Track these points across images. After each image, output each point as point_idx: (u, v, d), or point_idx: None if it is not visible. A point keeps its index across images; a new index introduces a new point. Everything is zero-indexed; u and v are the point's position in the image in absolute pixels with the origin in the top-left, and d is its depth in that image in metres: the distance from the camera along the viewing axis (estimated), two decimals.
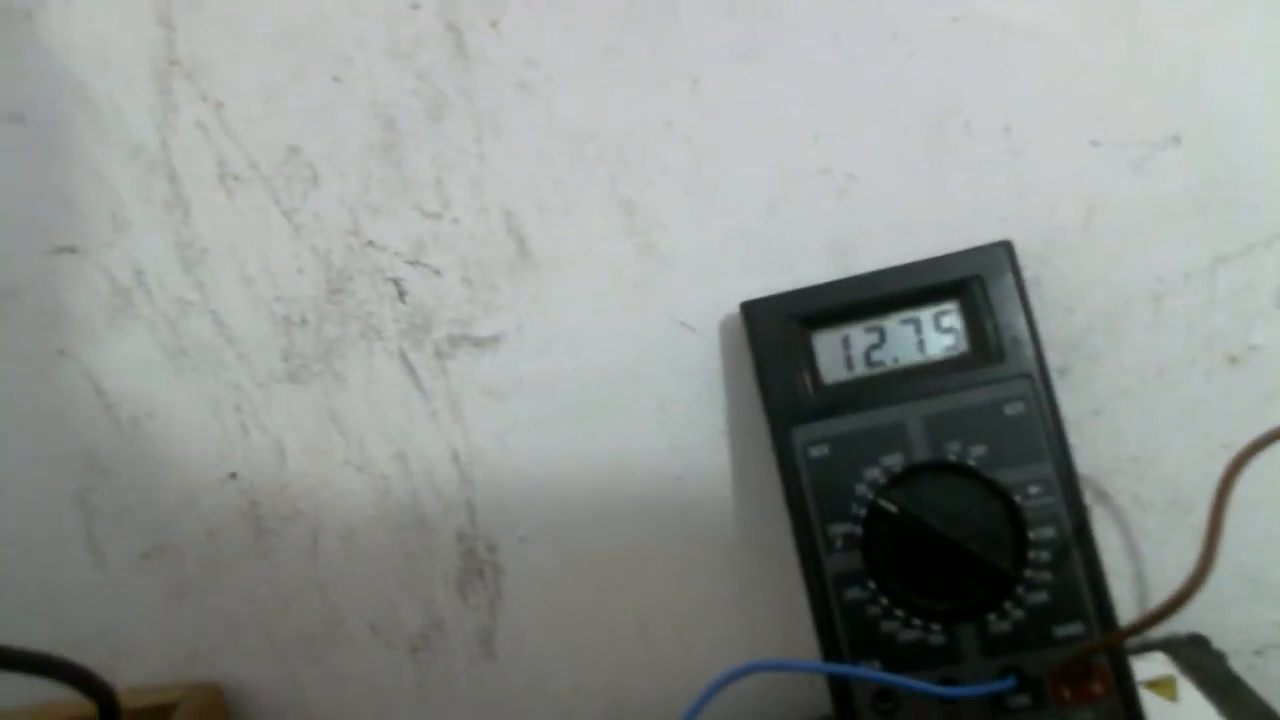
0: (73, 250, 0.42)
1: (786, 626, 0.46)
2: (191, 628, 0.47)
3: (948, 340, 0.39)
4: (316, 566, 0.46)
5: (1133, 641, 0.39)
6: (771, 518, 0.44)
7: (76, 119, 0.41)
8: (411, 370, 0.43)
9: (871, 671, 0.35)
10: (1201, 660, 0.43)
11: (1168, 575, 0.44)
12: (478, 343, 0.43)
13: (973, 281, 0.38)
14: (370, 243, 0.42)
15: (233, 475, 0.45)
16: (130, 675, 0.47)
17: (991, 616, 0.37)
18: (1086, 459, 0.38)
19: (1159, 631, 0.44)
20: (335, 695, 0.48)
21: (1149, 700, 0.38)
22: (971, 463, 0.37)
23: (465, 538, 0.45)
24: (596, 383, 0.43)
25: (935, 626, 0.37)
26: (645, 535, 0.45)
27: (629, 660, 0.47)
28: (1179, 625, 0.45)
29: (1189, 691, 0.41)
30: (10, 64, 0.40)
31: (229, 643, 0.47)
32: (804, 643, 0.42)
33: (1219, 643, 0.44)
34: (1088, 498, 0.41)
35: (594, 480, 0.44)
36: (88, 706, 0.43)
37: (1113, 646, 0.35)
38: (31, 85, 0.41)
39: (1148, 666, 0.42)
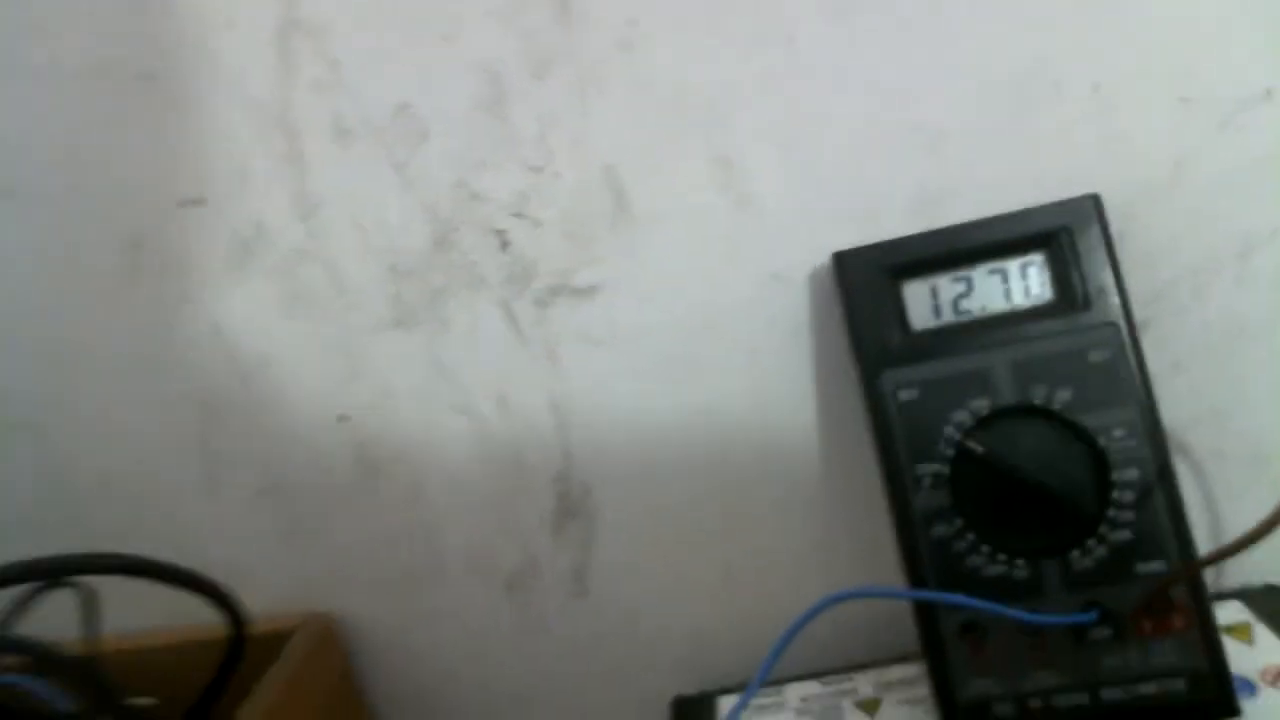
0: (197, 202, 0.45)
1: (866, 573, 0.48)
2: (303, 562, 0.50)
3: (1034, 289, 0.40)
4: (420, 506, 0.49)
5: (1210, 590, 0.40)
6: (854, 465, 0.46)
7: (203, 78, 0.43)
8: (513, 319, 0.45)
9: (962, 597, 0.37)
10: (1275, 607, 0.44)
11: (1246, 527, 0.45)
12: (576, 292, 0.45)
13: (1060, 233, 0.39)
14: (475, 195, 0.44)
15: (343, 418, 0.48)
16: (246, 605, 0.50)
17: (1075, 553, 0.38)
18: (1167, 411, 0.39)
19: (1234, 581, 0.46)
20: (435, 629, 0.51)
21: (1226, 643, 0.39)
22: (1056, 407, 0.39)
23: (561, 480, 0.48)
24: (689, 332, 0.45)
25: (1019, 562, 0.39)
26: (733, 481, 0.47)
27: (713, 602, 0.49)
28: (1254, 575, 0.46)
29: (1264, 634, 0.43)
30: (143, 25, 0.43)
31: (338, 577, 0.50)
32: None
33: None
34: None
35: (685, 427, 0.46)
36: (216, 629, 0.47)
37: (1192, 577, 0.37)
38: (161, 46, 0.43)
39: (1224, 613, 0.43)
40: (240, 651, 0.46)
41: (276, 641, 0.48)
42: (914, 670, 0.45)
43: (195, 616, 0.49)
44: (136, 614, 0.46)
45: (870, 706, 0.45)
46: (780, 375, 0.45)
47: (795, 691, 0.47)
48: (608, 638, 0.50)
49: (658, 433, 0.47)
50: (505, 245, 0.44)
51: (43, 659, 0.35)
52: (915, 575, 0.40)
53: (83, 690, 0.41)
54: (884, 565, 0.46)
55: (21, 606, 0.36)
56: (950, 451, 0.40)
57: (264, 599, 0.48)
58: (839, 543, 0.48)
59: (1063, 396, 0.39)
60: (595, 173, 0.43)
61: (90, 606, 0.39)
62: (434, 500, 0.49)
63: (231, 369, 0.47)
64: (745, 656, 0.49)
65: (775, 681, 0.47)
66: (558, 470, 0.48)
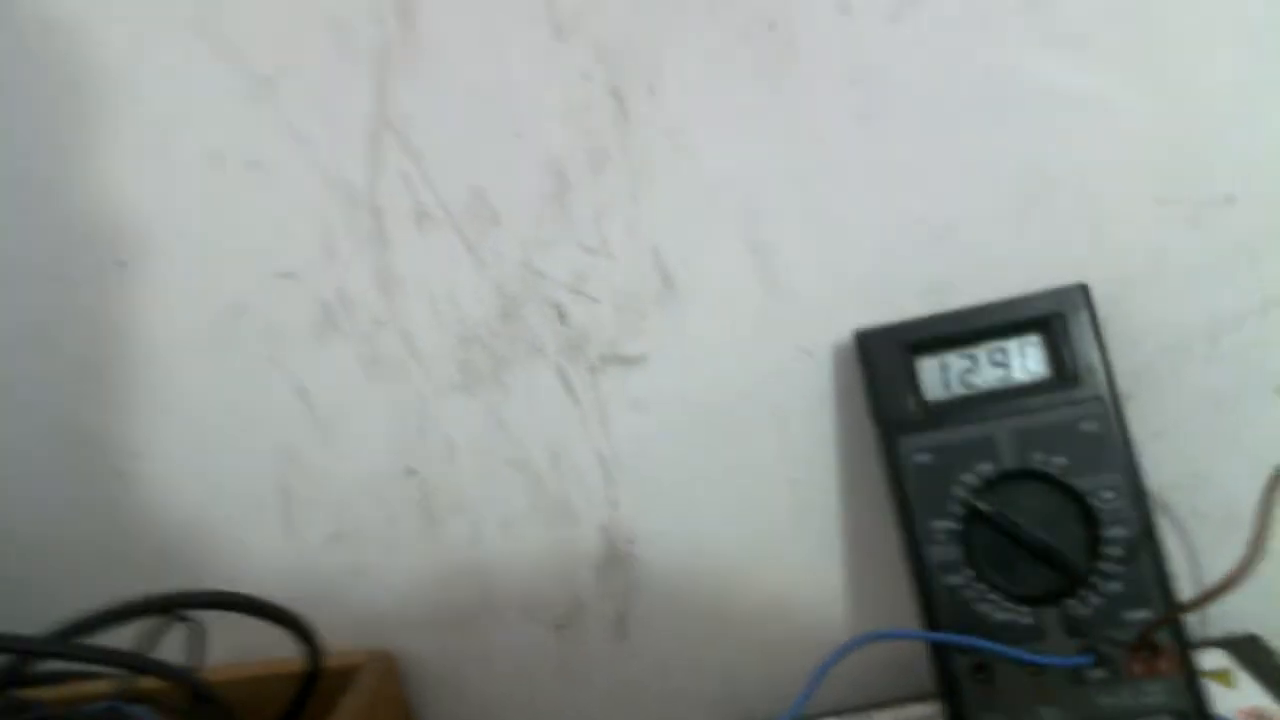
0: (289, 275, 0.51)
1: (883, 618, 0.52)
2: (366, 602, 0.55)
3: (1032, 366, 0.46)
4: (477, 552, 0.54)
5: (1195, 638, 0.45)
6: (872, 520, 0.51)
7: (302, 164, 0.49)
8: (568, 383, 0.51)
9: (976, 640, 0.42)
10: (1256, 655, 0.49)
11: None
12: (625, 361, 0.50)
13: (1054, 317, 0.45)
14: (538, 274, 0.49)
15: (410, 470, 0.53)
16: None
17: (1072, 601, 0.43)
18: (1150, 475, 0.44)
19: (1219, 630, 0.50)
20: (487, 667, 0.55)
21: (1210, 686, 0.44)
22: (1053, 471, 0.44)
23: (608, 531, 0.52)
24: (725, 398, 0.50)
25: (1023, 609, 0.44)
26: (762, 532, 0.52)
27: (743, 642, 0.54)
28: (1237, 625, 0.50)
29: (1244, 679, 0.47)
30: (255, 117, 0.48)
31: (398, 617, 0.55)
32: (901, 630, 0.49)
33: (1272, 641, 0.49)
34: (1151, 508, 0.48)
35: (721, 484, 0.51)
36: (282, 663, 0.51)
37: (1175, 621, 0.42)
38: (268, 136, 0.49)
39: (1209, 659, 0.48)
40: (315, 684, 0.51)
41: (342, 677, 0.52)
42: (927, 710, 0.50)
43: (261, 651, 0.54)
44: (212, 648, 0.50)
45: None
46: (806, 438, 0.51)
47: None
48: (646, 676, 0.55)
49: (695, 487, 0.52)
50: (563, 318, 0.50)
51: (190, 686, 0.39)
52: (930, 620, 0.45)
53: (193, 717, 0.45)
54: (899, 611, 0.51)
55: (154, 638, 0.40)
56: (960, 510, 0.45)
57: (329, 637, 0.52)
58: (858, 590, 0.53)
59: (1058, 462, 0.44)
60: (644, 255, 0.49)
61: (197, 639, 0.44)
62: (490, 546, 0.53)
63: (312, 423, 0.53)
64: (773, 689, 0.53)
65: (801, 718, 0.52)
66: (604, 520, 0.52)
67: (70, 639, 0.37)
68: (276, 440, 0.53)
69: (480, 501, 0.53)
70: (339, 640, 0.54)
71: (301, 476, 0.53)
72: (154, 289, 0.52)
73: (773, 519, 0.52)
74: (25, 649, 0.35)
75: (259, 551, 0.54)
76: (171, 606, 0.41)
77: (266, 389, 0.52)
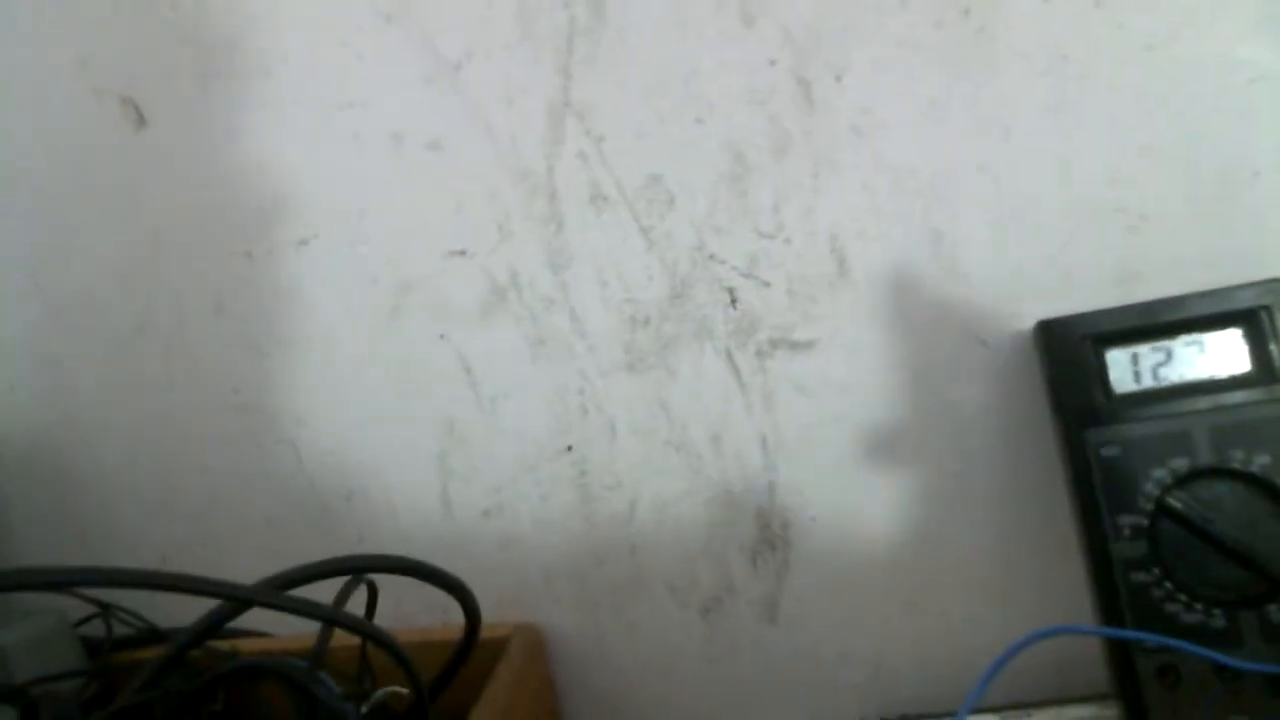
0: (462, 253, 0.52)
1: (1043, 615, 0.51)
2: (517, 576, 0.56)
3: (1232, 361, 0.44)
4: (630, 530, 0.54)
5: None
6: (1039, 513, 0.50)
7: (481, 147, 0.50)
8: (735, 367, 0.51)
9: (1170, 639, 0.40)
10: None
11: None
12: (794, 346, 0.50)
13: (1259, 311, 0.43)
14: (711, 257, 0.50)
15: (569, 448, 0.53)
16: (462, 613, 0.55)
17: (1272, 607, 0.42)
18: None
19: None
20: (632, 644, 0.56)
21: None
22: (1255, 470, 0.42)
23: (763, 514, 0.52)
24: (893, 387, 0.50)
25: (1216, 611, 0.42)
26: (921, 524, 0.51)
27: (894, 633, 0.53)
28: None
29: None
30: (438, 101, 0.50)
31: (546, 591, 0.56)
32: None
33: None
34: None
35: (881, 472, 0.51)
36: (430, 632, 0.52)
37: None
38: (449, 119, 0.50)
39: None
40: (469, 650, 0.51)
41: (496, 647, 0.53)
42: (1092, 711, 0.49)
43: (407, 620, 0.55)
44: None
45: None
46: (974, 431, 0.50)
47: None
48: (793, 663, 0.54)
49: (856, 476, 0.51)
50: (734, 301, 0.50)
51: (377, 640, 0.40)
52: (1113, 618, 0.44)
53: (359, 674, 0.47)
54: (1061, 608, 0.50)
55: (344, 598, 0.41)
56: (1150, 506, 0.43)
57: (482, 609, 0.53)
58: (1017, 587, 0.52)
59: (1261, 460, 0.42)
60: (821, 240, 0.49)
61: (372, 602, 0.45)
62: (643, 526, 0.54)
63: (475, 399, 0.54)
64: (922, 687, 0.53)
65: (950, 714, 0.51)
66: (761, 504, 0.52)
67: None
68: (439, 414, 0.54)
69: (637, 481, 0.53)
70: (486, 612, 0.54)
71: (461, 451, 0.54)
72: (332, 266, 0.53)
73: (933, 511, 0.51)
74: (239, 597, 0.36)
75: (415, 521, 0.56)
76: (360, 569, 0.43)
77: (432, 364, 0.54)
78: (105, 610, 0.52)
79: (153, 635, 0.54)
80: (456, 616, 0.48)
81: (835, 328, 0.49)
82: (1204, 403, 0.44)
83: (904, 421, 0.50)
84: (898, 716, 0.52)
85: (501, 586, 0.56)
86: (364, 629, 0.40)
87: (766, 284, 0.49)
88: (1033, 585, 0.51)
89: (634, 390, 0.52)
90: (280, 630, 0.57)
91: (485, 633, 0.54)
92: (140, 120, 0.54)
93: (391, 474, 0.56)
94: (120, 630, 0.54)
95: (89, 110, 0.55)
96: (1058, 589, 0.50)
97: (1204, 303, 0.44)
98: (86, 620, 0.54)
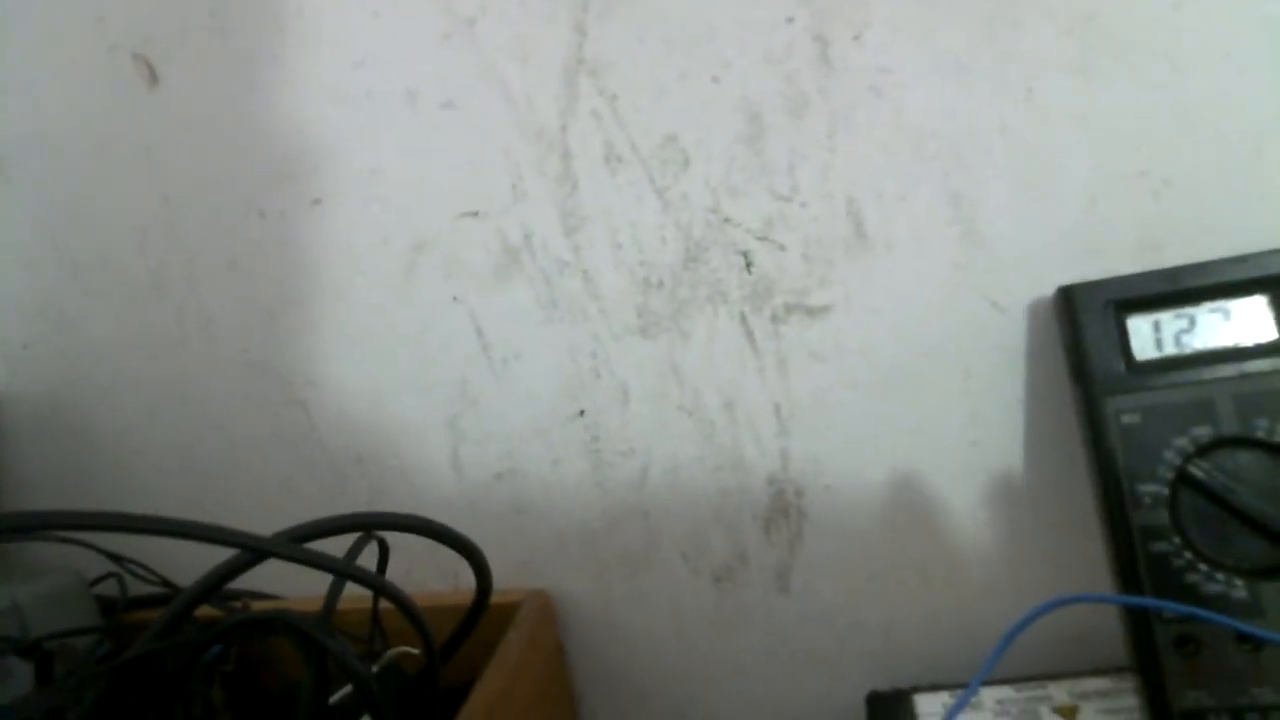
0: (475, 214, 0.51)
1: (1058, 584, 0.51)
2: (527, 541, 0.56)
3: (1257, 328, 0.43)
4: (642, 496, 0.54)
5: None
6: (1055, 483, 0.49)
7: (495, 105, 0.50)
8: (749, 331, 0.50)
9: (1193, 608, 0.40)
10: None
11: None
12: (809, 311, 0.49)
13: None
14: (727, 219, 0.49)
15: (581, 413, 0.53)
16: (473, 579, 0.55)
17: None
18: None
19: None
20: (642, 611, 0.55)
21: None
22: (1279, 439, 0.41)
23: (776, 481, 0.52)
24: (909, 353, 0.49)
25: (1238, 581, 0.42)
26: (936, 491, 0.51)
27: (907, 603, 0.53)
28: None
29: None
30: (452, 58, 0.49)
31: (557, 557, 0.55)
32: None
33: None
34: None
35: (897, 439, 0.50)
36: (441, 596, 0.52)
37: None
38: (463, 78, 0.50)
39: None
40: (481, 612, 0.51)
41: (507, 612, 0.53)
42: (1108, 684, 0.48)
43: (417, 584, 0.55)
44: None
45: (1068, 712, 0.47)
46: (991, 397, 0.49)
47: (990, 695, 0.49)
48: (804, 631, 0.54)
49: (871, 443, 0.51)
50: (749, 265, 0.49)
51: (389, 595, 0.40)
52: (1131, 588, 0.43)
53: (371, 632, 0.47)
54: (1077, 579, 0.49)
55: (355, 552, 0.41)
56: (1170, 474, 0.43)
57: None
58: (1032, 555, 0.51)
59: None
60: (838, 203, 0.48)
61: (383, 561, 0.45)
62: (655, 492, 0.53)
63: (486, 362, 0.53)
64: (934, 656, 0.52)
65: (964, 685, 0.50)
66: (774, 471, 0.52)
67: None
68: (450, 376, 0.54)
69: (649, 446, 0.53)
70: (496, 578, 0.54)
71: (472, 413, 0.54)
72: (345, 226, 0.53)
73: (948, 479, 0.50)
74: (255, 546, 0.36)
75: (425, 485, 0.55)
76: (372, 525, 0.42)
77: (444, 326, 0.53)
78: (119, 563, 0.52)
79: (166, 587, 0.54)
80: (467, 582, 0.48)
81: (851, 292, 0.49)
82: (1228, 370, 0.43)
83: (920, 388, 0.50)
84: (910, 686, 0.51)
85: (512, 551, 0.56)
86: (377, 583, 0.39)
87: (782, 247, 0.49)
88: (1048, 556, 0.51)
89: (646, 354, 0.51)
90: (289, 593, 0.58)
91: (496, 598, 0.54)
92: (153, 77, 0.54)
93: (402, 436, 0.56)
94: (134, 590, 0.55)
95: (103, 67, 0.55)
96: (1073, 560, 0.49)
97: (1230, 269, 0.43)
98: (101, 580, 0.55)
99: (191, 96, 0.54)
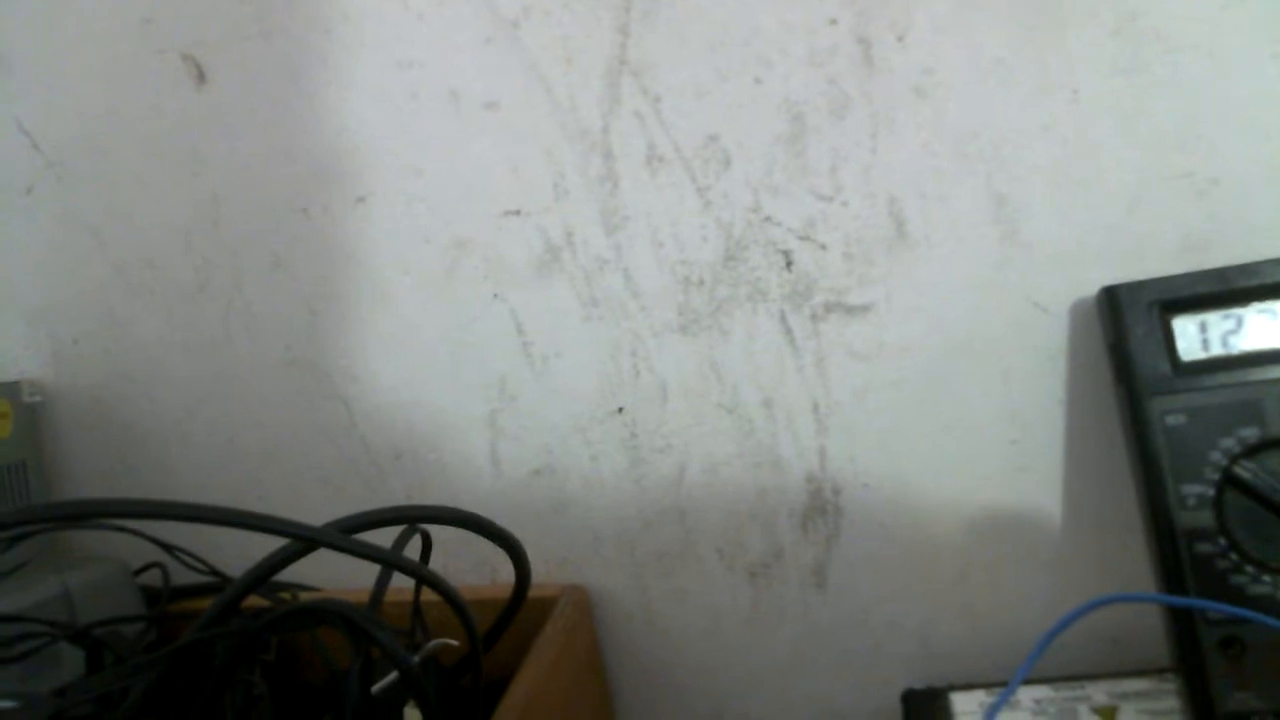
0: (517, 213, 0.52)
1: (1098, 585, 0.50)
2: (564, 538, 0.56)
3: None
4: (679, 493, 0.54)
5: None
6: (1094, 484, 0.49)
7: (538, 106, 0.50)
8: (789, 330, 0.50)
9: (1245, 610, 0.40)
10: None
11: None
12: (850, 310, 0.50)
13: None
14: (768, 218, 0.49)
15: (620, 410, 0.53)
16: (510, 574, 0.56)
17: None
18: None
19: None
20: (678, 608, 0.56)
21: None
22: None
23: (814, 479, 0.52)
24: (950, 352, 0.49)
25: None
26: (975, 492, 0.51)
27: (944, 603, 0.53)
28: None
29: None
30: (496, 60, 0.50)
31: (594, 553, 0.56)
32: None
33: None
34: None
35: (936, 439, 0.50)
36: (478, 590, 0.53)
37: None
38: (507, 79, 0.50)
39: None
40: (519, 605, 0.52)
41: (544, 606, 0.53)
42: (1148, 684, 0.48)
43: (454, 577, 0.55)
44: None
45: (1107, 713, 0.47)
46: (1032, 398, 0.49)
47: (1028, 694, 0.49)
48: (839, 629, 0.54)
49: (909, 442, 0.51)
50: (790, 264, 0.49)
51: (435, 585, 0.41)
52: (1175, 589, 0.43)
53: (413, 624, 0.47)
54: (1118, 581, 0.49)
55: (402, 544, 0.42)
56: (1216, 476, 0.43)
57: None
58: (1073, 556, 0.51)
59: None
60: (880, 203, 0.48)
61: (426, 554, 0.45)
62: (693, 489, 0.54)
63: (526, 359, 0.54)
64: (970, 657, 0.52)
65: (1001, 684, 0.50)
66: (811, 469, 0.52)
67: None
68: (490, 373, 0.55)
69: (687, 444, 0.53)
70: (533, 573, 0.55)
71: (511, 410, 0.55)
72: (388, 224, 0.54)
73: (986, 479, 0.50)
74: (305, 536, 0.37)
75: (464, 480, 0.56)
76: (417, 519, 0.43)
77: (485, 323, 0.54)
78: (170, 552, 0.53)
79: (214, 576, 0.55)
80: (505, 576, 0.49)
81: (891, 292, 0.49)
82: (1277, 372, 0.43)
83: (960, 388, 0.50)
84: (946, 686, 0.51)
85: (549, 547, 0.57)
86: (423, 574, 0.40)
87: (823, 246, 0.49)
88: (1089, 557, 0.51)
89: (686, 352, 0.52)
90: (331, 586, 0.58)
91: (533, 593, 0.54)
92: (201, 78, 0.55)
93: (441, 432, 0.56)
94: (181, 579, 0.56)
95: (151, 68, 0.56)
96: (1115, 561, 0.49)
97: (1278, 270, 0.43)
98: (145, 569, 0.56)
99: (238, 97, 0.55)
